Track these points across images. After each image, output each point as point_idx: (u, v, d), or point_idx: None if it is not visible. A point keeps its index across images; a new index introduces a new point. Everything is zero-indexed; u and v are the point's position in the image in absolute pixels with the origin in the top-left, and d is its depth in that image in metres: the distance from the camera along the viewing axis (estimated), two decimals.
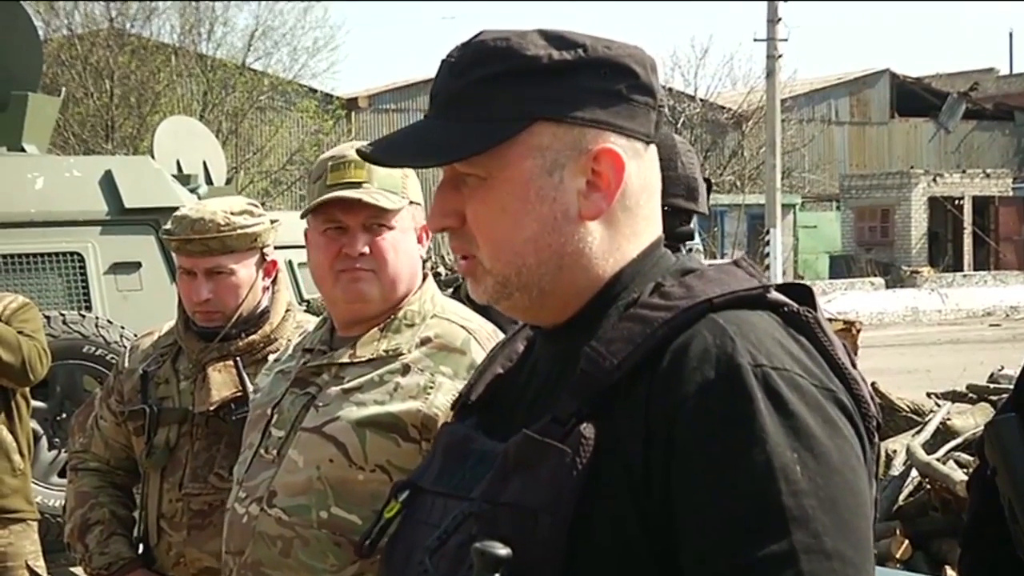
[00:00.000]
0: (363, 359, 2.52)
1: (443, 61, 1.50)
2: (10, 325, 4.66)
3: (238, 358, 3.28)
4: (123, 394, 3.41)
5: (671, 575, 1.33)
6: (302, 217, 2.58)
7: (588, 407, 1.37)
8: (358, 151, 1.55)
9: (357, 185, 2.52)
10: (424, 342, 2.52)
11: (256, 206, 3.39)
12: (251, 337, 3.30)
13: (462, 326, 2.54)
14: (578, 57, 1.46)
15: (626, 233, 1.49)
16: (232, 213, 3.28)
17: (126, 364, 3.46)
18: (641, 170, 1.50)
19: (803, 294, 1.47)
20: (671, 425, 1.32)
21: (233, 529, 2.51)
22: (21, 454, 4.71)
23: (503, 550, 1.31)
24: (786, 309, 1.42)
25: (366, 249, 2.52)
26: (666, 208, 3.14)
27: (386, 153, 1.53)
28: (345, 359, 2.53)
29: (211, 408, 3.25)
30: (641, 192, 1.50)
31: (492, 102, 1.45)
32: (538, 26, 1.51)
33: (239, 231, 3.27)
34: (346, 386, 2.49)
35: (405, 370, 2.47)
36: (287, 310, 3.38)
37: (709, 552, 1.29)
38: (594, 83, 1.46)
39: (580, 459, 1.34)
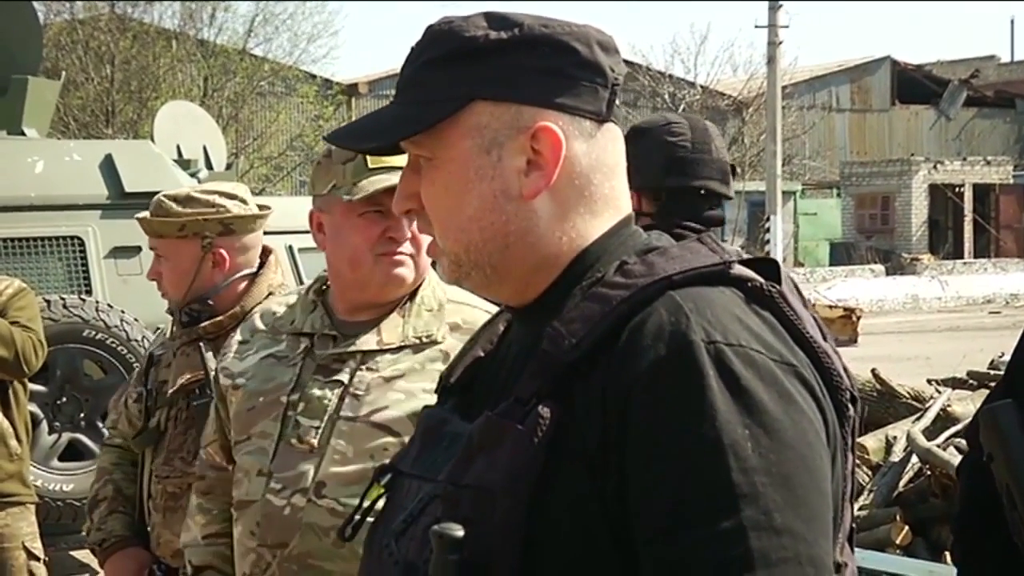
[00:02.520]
0: (393, 345, 2.51)
1: (409, 49, 1.53)
2: (5, 314, 4.65)
3: (201, 343, 3.28)
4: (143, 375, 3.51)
5: (630, 556, 1.32)
6: (349, 198, 2.48)
7: (548, 387, 1.37)
8: (325, 137, 1.59)
9: (399, 169, 2.52)
10: (454, 328, 2.51)
11: (220, 194, 3.36)
12: (219, 319, 3.29)
13: (484, 309, 2.53)
14: (514, 36, 1.46)
15: (580, 212, 1.49)
16: (176, 199, 3.30)
17: (151, 347, 3.58)
18: (591, 149, 1.49)
19: (769, 269, 1.47)
20: (625, 404, 1.32)
21: (272, 521, 2.46)
22: (18, 439, 4.72)
23: (460, 531, 1.32)
24: (749, 284, 1.42)
25: (410, 234, 2.51)
26: (701, 191, 3.18)
27: (343, 137, 1.59)
28: (372, 346, 2.51)
29: (171, 392, 3.28)
30: (592, 172, 1.49)
31: (433, 84, 1.48)
32: (527, 12, 1.51)
33: (165, 218, 3.29)
34: (385, 374, 2.48)
35: (446, 357, 2.44)
36: (269, 294, 3.36)
37: (659, 530, 1.29)
38: (532, 62, 1.46)
39: (536, 439, 1.34)
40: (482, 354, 1.62)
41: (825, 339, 1.43)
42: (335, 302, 2.59)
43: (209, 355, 3.24)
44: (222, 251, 3.32)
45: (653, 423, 1.31)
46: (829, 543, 1.33)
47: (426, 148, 1.49)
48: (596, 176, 1.50)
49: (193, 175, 7.82)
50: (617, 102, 1.52)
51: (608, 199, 1.51)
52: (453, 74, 1.47)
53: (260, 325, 2.64)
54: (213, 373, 2.93)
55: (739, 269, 1.43)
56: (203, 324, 3.29)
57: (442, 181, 1.49)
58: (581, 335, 1.38)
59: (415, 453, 1.54)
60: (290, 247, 8.07)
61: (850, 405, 1.42)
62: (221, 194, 3.34)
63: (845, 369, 1.43)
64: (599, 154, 1.50)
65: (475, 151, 1.47)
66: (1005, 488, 2.26)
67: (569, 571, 1.34)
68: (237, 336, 2.68)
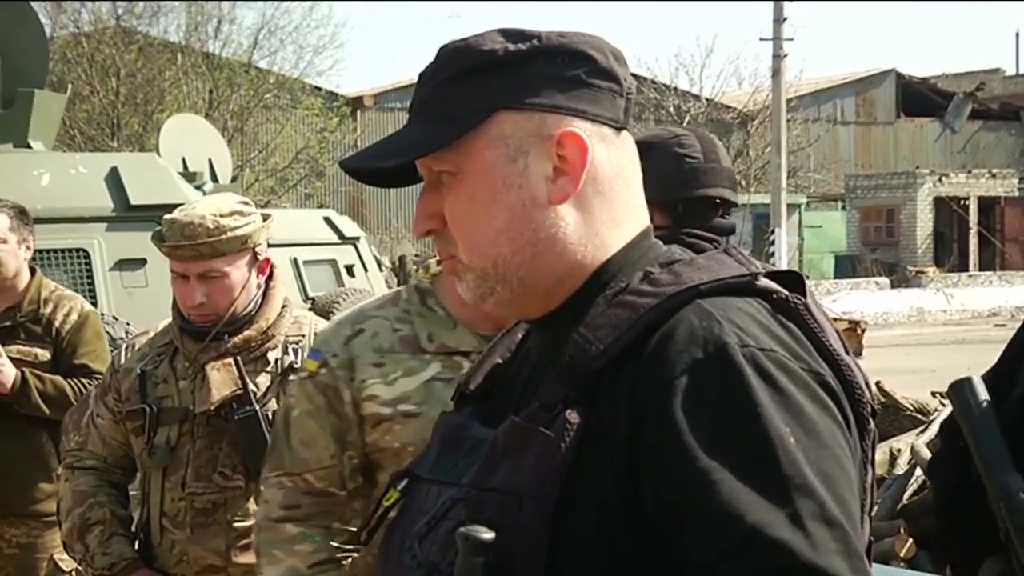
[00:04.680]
0: None
1: (419, 74, 1.54)
2: (75, 351, 4.62)
3: (238, 356, 3.28)
4: (120, 392, 3.42)
5: (656, 559, 1.33)
6: None
7: (575, 393, 1.38)
8: (341, 164, 1.58)
9: None
10: None
11: (247, 203, 3.38)
12: (247, 333, 3.30)
13: None
14: (532, 47, 1.48)
15: (603, 219, 1.50)
16: (221, 216, 3.27)
17: (122, 362, 3.46)
18: (612, 155, 1.51)
19: (793, 281, 1.48)
20: (661, 407, 1.33)
21: None
22: (60, 459, 4.72)
23: (487, 534, 1.32)
24: (775, 296, 1.43)
25: None
26: (717, 200, 3.24)
27: (363, 159, 1.57)
28: None
29: (212, 408, 3.25)
30: (615, 178, 1.51)
31: (454, 100, 1.49)
32: (537, 26, 1.53)
33: (229, 235, 3.25)
34: None
35: None
36: (283, 306, 3.38)
37: (714, 525, 1.28)
38: (551, 70, 1.48)
39: (564, 444, 1.35)
40: (500, 362, 1.63)
41: (847, 352, 1.44)
42: (472, 319, 2.49)
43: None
44: (265, 258, 3.37)
45: (697, 423, 1.31)
46: (862, 545, 1.34)
47: (449, 162, 1.49)
48: (617, 183, 1.52)
49: (199, 188, 7.82)
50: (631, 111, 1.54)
51: (628, 207, 1.53)
52: (474, 87, 1.48)
53: (383, 344, 2.52)
54: (358, 400, 2.53)
55: (765, 281, 1.45)
56: (234, 340, 3.29)
57: (468, 194, 1.49)
58: (608, 341, 1.39)
59: (433, 458, 1.55)
60: (295, 259, 8.09)
61: (870, 419, 1.43)
62: (245, 203, 3.37)
63: (866, 383, 1.44)
64: (619, 161, 1.52)
65: (501, 161, 1.48)
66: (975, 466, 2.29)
67: (593, 574, 1.35)
68: (360, 358, 2.51)
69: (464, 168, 1.49)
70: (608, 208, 1.51)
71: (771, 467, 1.28)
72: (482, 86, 1.48)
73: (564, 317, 1.49)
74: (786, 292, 1.44)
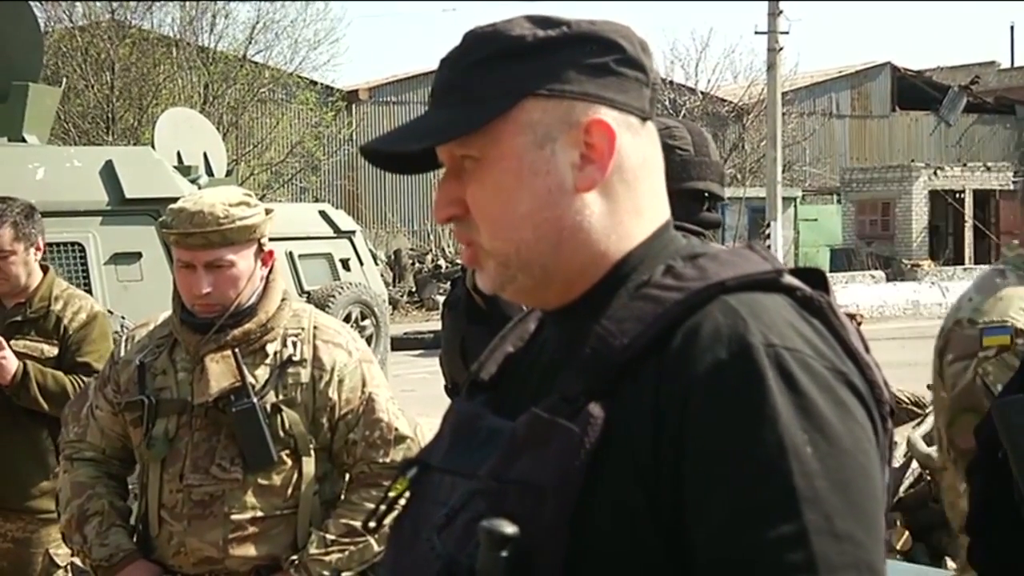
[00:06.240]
0: None
1: (441, 60, 1.53)
2: (79, 349, 4.63)
3: (236, 348, 3.28)
4: (119, 384, 3.41)
5: (678, 558, 1.32)
6: None
7: (597, 386, 1.36)
8: (361, 148, 1.57)
9: None
10: None
11: (251, 195, 3.38)
12: (246, 326, 3.30)
13: None
14: (563, 33, 1.47)
15: (628, 208, 1.49)
16: (231, 205, 3.26)
17: (122, 354, 3.45)
18: (638, 145, 1.50)
19: (816, 279, 1.47)
20: (683, 406, 1.32)
21: None
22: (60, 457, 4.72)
23: (510, 528, 1.30)
24: (799, 293, 1.42)
25: None
26: (705, 193, 3.22)
27: (382, 143, 1.55)
28: None
29: (210, 399, 3.25)
30: (640, 167, 1.50)
31: (481, 84, 1.47)
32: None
33: (238, 223, 3.24)
34: None
35: None
36: (283, 299, 3.38)
37: (720, 532, 1.28)
38: (581, 58, 1.47)
39: (588, 438, 1.33)
40: (511, 351, 1.61)
41: (867, 350, 1.43)
42: None
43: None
44: (269, 250, 3.37)
45: (713, 425, 1.31)
46: (883, 550, 1.33)
47: (475, 148, 1.48)
48: (642, 173, 1.51)
49: (193, 182, 7.81)
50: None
51: (651, 197, 1.52)
52: (503, 73, 1.47)
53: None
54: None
55: (789, 278, 1.44)
56: (233, 332, 3.29)
57: (493, 180, 1.47)
58: (633, 335, 1.37)
59: (445, 447, 1.53)
60: (290, 253, 8.09)
61: (888, 418, 1.42)
62: (251, 195, 3.38)
63: (885, 382, 1.43)
64: (645, 151, 1.51)
65: (528, 147, 1.46)
66: (1016, 485, 2.26)
67: (613, 570, 1.34)
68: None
69: (489, 154, 1.47)
70: (632, 198, 1.50)
71: (782, 478, 1.28)
72: (511, 72, 1.46)
73: (582, 308, 1.47)
74: (810, 289, 1.43)
